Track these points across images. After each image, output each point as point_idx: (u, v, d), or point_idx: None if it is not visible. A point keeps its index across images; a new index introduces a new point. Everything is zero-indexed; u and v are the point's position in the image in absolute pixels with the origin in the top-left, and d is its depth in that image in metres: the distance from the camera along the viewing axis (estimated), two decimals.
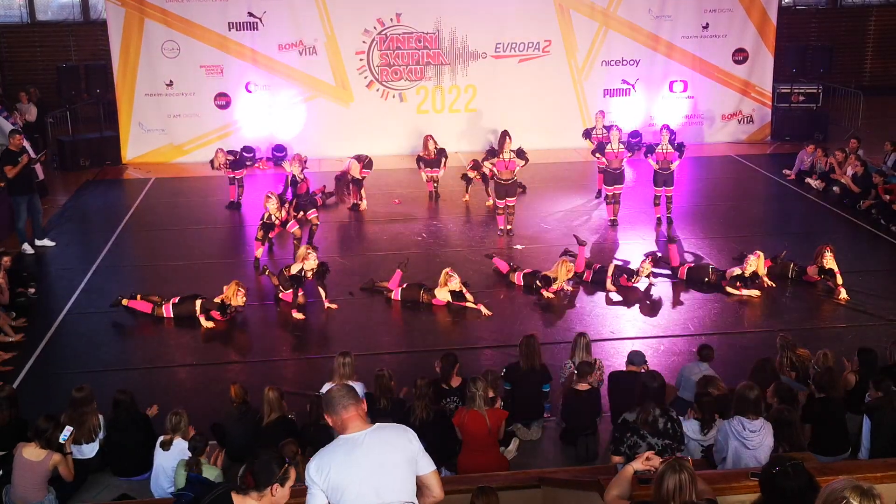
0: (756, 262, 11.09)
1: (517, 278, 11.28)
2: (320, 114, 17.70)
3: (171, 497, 6.34)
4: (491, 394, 7.43)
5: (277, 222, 12.12)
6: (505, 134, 13.12)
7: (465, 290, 10.73)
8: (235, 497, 4.10)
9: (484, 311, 10.56)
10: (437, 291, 10.78)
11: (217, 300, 10.38)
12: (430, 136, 15.02)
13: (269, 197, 12.10)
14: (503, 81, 18.02)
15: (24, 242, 12.83)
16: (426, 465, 4.36)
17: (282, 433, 7.12)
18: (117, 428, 7.48)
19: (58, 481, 7.06)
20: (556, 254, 12.38)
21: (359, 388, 7.85)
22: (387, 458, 4.22)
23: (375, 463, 4.17)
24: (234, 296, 10.37)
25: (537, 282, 11.02)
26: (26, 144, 15.20)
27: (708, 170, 17.03)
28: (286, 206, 12.43)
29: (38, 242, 12.95)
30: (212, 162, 14.76)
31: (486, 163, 13.42)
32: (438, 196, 15.02)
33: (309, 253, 10.81)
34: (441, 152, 14.79)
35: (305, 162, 13.87)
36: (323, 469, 4.17)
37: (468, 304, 10.69)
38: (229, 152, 14.83)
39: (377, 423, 4.36)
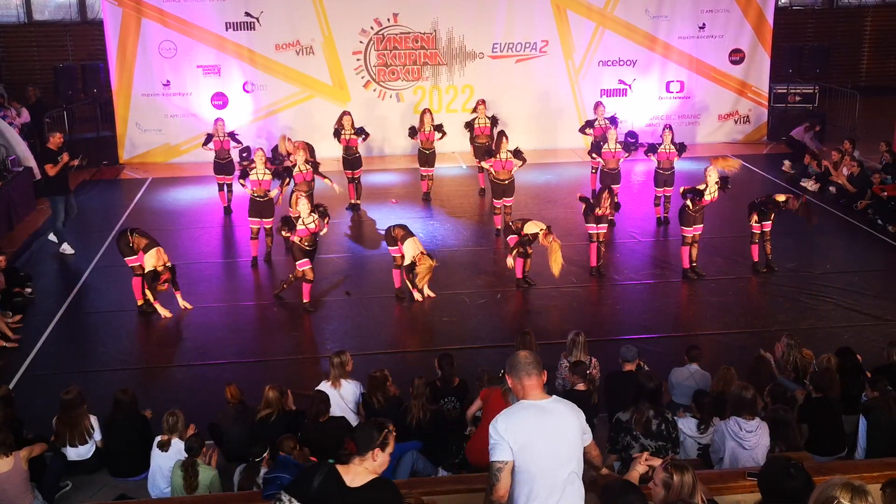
0: (712, 173, 11.27)
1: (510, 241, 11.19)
2: (317, 114, 17.67)
3: (264, 480, 6.28)
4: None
5: (260, 178, 12.01)
6: (502, 134, 13.15)
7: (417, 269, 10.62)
8: (341, 468, 4.30)
9: (417, 296, 10.78)
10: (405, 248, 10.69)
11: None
12: (428, 109, 15.06)
13: (258, 150, 12.23)
14: (500, 81, 18.01)
15: (63, 242, 12.82)
16: (588, 437, 4.63)
17: (279, 429, 7.13)
18: (115, 428, 7.47)
19: (39, 473, 7.04)
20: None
21: (356, 387, 7.87)
22: (567, 429, 4.46)
23: (559, 431, 4.42)
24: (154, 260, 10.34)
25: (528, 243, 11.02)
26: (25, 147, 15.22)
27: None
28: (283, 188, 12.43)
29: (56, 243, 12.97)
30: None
31: (483, 163, 13.44)
32: (430, 199, 14.98)
33: (299, 198, 10.78)
34: (438, 128, 14.72)
35: (313, 152, 13.66)
36: (511, 429, 4.38)
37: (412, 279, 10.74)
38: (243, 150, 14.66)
39: (553, 396, 4.58)
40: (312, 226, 10.61)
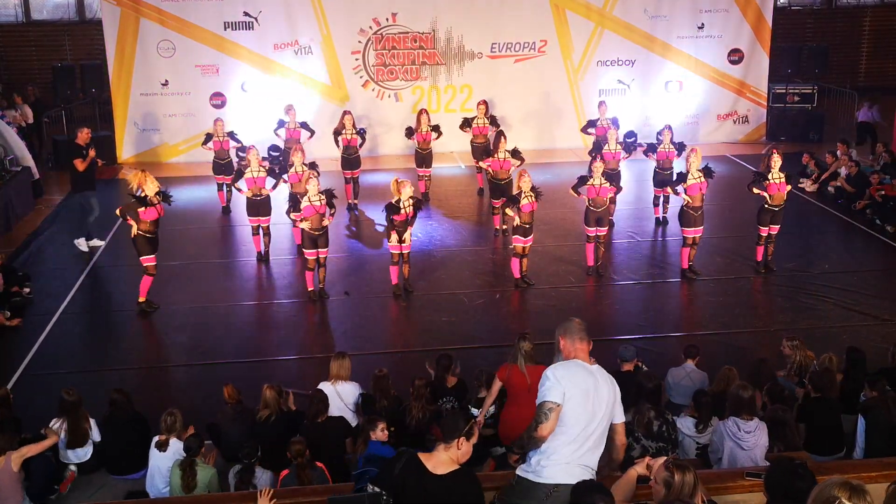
0: (694, 158, 11.29)
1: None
2: (315, 113, 17.65)
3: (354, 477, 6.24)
4: (482, 394, 7.51)
5: (255, 177, 12.02)
6: (500, 134, 13.14)
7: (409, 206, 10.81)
8: (423, 455, 4.43)
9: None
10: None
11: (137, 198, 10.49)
12: (425, 110, 15.00)
13: (251, 148, 12.27)
14: (499, 81, 18.02)
15: (81, 237, 12.83)
16: (620, 416, 4.93)
17: (278, 430, 7.13)
18: (113, 427, 7.47)
19: (31, 480, 7.03)
20: (551, 252, 12.42)
21: (354, 388, 7.87)
22: (606, 395, 4.78)
23: (599, 394, 4.75)
24: (145, 183, 10.43)
25: (509, 207, 11.03)
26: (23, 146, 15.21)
27: None
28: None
29: (89, 243, 12.95)
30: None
31: (481, 163, 13.44)
32: (429, 199, 14.94)
33: (310, 177, 10.82)
34: (435, 128, 14.69)
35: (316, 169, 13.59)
36: (563, 378, 4.71)
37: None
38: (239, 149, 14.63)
39: (597, 365, 4.91)
40: (318, 204, 10.64)
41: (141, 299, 10.73)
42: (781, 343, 8.42)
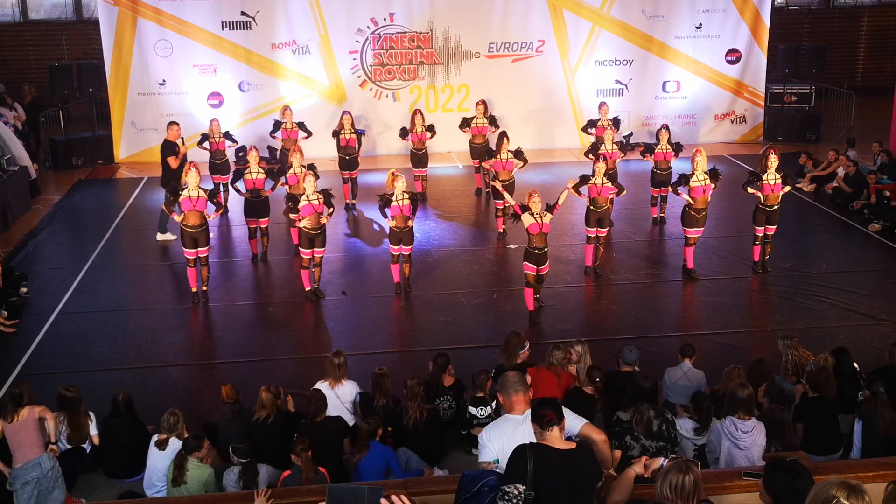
0: (700, 159, 11.34)
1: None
2: (313, 113, 17.64)
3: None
4: (480, 393, 7.60)
5: (254, 178, 12.01)
6: (503, 135, 13.13)
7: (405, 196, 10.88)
8: (545, 441, 4.64)
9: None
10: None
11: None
12: (420, 110, 14.95)
13: (252, 149, 12.33)
14: (497, 81, 18.02)
15: (166, 232, 13.02)
16: (576, 425, 5.02)
17: (276, 431, 7.12)
18: (114, 430, 7.43)
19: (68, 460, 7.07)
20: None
21: (353, 387, 7.86)
22: None
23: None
24: (186, 178, 10.74)
25: (516, 216, 10.50)
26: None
27: None
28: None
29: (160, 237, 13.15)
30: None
31: (484, 164, 13.42)
32: (426, 199, 14.90)
33: (307, 175, 10.87)
34: (429, 128, 14.66)
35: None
36: (493, 438, 5.03)
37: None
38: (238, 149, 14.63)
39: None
40: (316, 202, 10.65)
41: (192, 289, 10.93)
42: (778, 343, 8.43)
